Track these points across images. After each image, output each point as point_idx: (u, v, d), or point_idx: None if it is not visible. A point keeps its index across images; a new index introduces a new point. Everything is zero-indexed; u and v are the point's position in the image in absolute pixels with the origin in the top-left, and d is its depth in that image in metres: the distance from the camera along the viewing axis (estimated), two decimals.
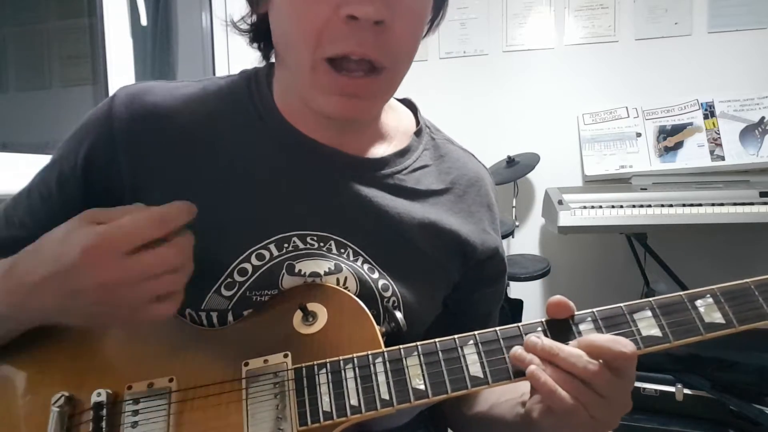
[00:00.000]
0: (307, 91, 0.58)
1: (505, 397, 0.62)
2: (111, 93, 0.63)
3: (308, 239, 0.61)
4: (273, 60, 0.68)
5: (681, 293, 0.54)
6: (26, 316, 0.54)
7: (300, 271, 0.60)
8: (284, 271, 0.59)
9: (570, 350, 0.50)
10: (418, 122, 0.72)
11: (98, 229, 0.48)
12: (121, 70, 1.69)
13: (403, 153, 0.67)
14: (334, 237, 0.61)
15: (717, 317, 0.52)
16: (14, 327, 0.56)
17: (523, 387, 0.56)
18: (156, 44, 2.00)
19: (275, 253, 0.59)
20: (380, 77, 0.56)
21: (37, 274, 0.50)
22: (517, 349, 0.52)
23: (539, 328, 0.54)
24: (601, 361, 0.49)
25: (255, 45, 0.68)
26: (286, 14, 0.56)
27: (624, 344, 0.49)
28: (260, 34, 0.66)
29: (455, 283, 0.70)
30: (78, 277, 0.48)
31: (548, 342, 0.51)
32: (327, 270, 0.60)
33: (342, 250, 0.61)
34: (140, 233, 0.48)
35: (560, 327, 0.54)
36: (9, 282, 0.53)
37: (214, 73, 2.18)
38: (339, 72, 0.55)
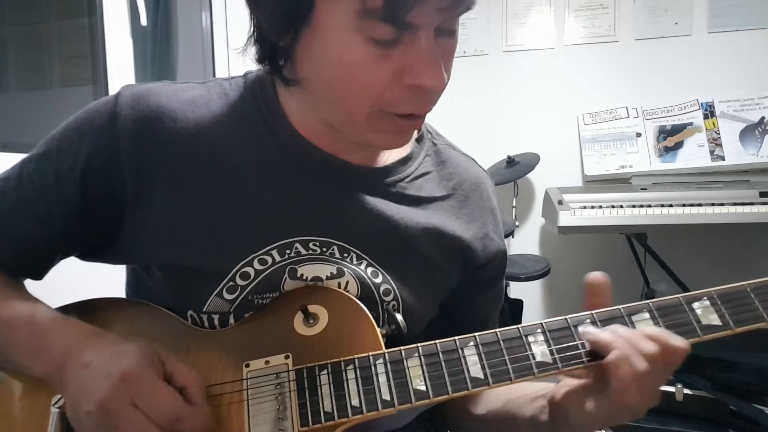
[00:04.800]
0: (355, 131, 0.58)
1: (522, 392, 0.63)
2: (111, 93, 0.61)
3: (310, 245, 0.61)
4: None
5: (678, 296, 0.54)
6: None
7: (302, 275, 0.60)
8: (286, 275, 0.60)
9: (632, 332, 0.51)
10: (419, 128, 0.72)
11: (139, 401, 0.48)
12: (121, 70, 1.69)
13: (405, 161, 0.68)
14: (337, 242, 0.61)
15: (714, 319, 0.53)
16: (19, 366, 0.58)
17: (538, 385, 0.57)
18: (156, 44, 2.00)
19: (277, 258, 0.59)
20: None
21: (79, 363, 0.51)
22: (589, 328, 0.53)
23: (539, 330, 0.54)
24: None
25: (264, 63, 0.61)
26: (335, 67, 0.53)
27: (677, 339, 0.50)
28: (274, 56, 0.59)
29: (453, 288, 0.70)
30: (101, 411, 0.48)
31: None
32: (329, 274, 0.60)
33: (345, 254, 0.62)
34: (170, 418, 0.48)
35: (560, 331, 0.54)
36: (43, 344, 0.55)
37: (213, 74, 2.18)
38: (398, 116, 0.56)
